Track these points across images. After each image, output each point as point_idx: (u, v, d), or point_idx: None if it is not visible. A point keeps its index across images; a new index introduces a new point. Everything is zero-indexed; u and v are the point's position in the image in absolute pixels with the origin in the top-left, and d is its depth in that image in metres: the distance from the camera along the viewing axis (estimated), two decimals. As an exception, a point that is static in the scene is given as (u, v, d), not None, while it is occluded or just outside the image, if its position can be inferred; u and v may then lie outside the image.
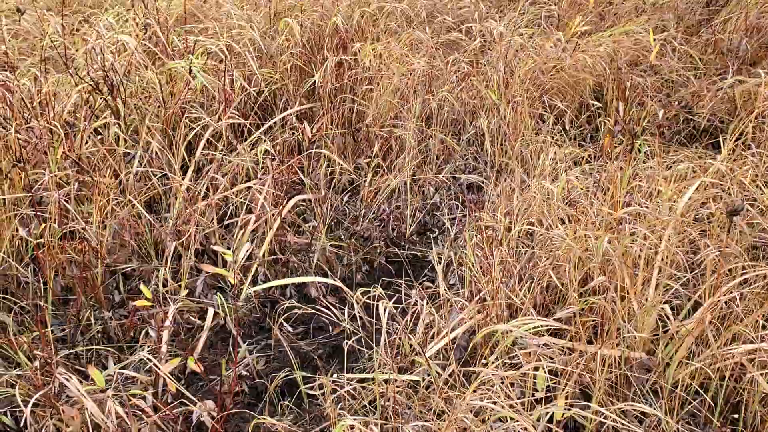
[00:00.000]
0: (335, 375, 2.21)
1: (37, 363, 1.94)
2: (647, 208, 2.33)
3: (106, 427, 1.47)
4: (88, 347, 2.23)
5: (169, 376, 1.59)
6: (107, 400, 1.48)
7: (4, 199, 2.43)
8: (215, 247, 1.65)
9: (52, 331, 2.38)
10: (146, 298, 1.64)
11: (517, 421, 1.53)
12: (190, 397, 1.80)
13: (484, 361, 2.08)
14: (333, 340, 2.54)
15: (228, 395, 1.76)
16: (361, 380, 2.13)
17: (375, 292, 2.56)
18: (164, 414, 1.62)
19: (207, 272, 1.85)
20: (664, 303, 2.03)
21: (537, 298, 2.14)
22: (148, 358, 1.66)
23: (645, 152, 2.98)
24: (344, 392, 1.95)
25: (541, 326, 1.66)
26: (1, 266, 2.39)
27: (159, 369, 1.58)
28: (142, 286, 1.66)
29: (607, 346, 1.87)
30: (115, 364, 2.23)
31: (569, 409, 1.73)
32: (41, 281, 2.43)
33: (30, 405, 1.57)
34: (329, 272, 2.77)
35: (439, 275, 2.56)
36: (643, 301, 1.99)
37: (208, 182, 2.76)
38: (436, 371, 1.95)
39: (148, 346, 2.21)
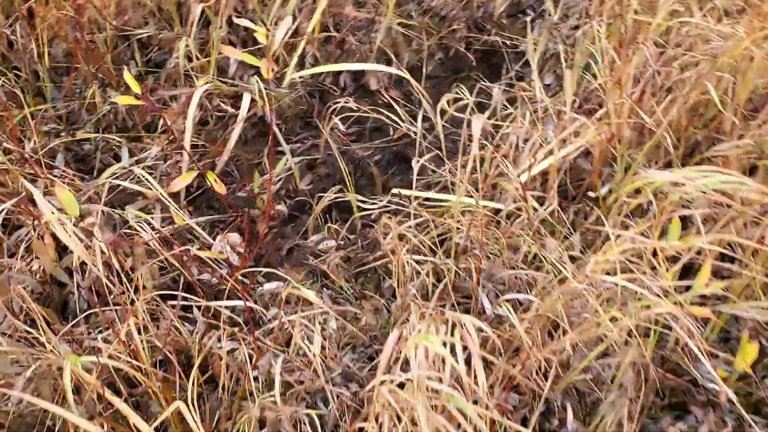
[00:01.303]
0: (395, 191, 1.76)
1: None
2: None
3: (93, 262, 1.07)
4: (94, 134, 1.80)
5: (173, 204, 1.15)
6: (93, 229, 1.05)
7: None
8: (239, 21, 1.12)
9: (54, 107, 1.95)
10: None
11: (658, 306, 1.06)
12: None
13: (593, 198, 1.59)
14: (393, 144, 2.07)
15: (261, 220, 1.34)
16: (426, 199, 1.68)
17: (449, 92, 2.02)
18: (170, 248, 1.21)
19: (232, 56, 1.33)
20: None
21: (675, 121, 1.58)
22: (146, 170, 1.21)
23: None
24: (405, 225, 1.51)
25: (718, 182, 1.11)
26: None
27: (160, 194, 1.14)
28: (126, 75, 1.12)
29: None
30: (129, 156, 1.82)
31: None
32: (39, 44, 1.95)
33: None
34: (394, 58, 2.22)
35: (533, 71, 1.99)
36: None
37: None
38: (533, 206, 1.47)
39: (167, 137, 1.77)
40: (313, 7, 2.09)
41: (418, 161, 1.56)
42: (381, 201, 1.78)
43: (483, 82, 2.26)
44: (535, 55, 2.05)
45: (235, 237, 1.17)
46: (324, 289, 1.57)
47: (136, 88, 1.08)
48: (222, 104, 1.95)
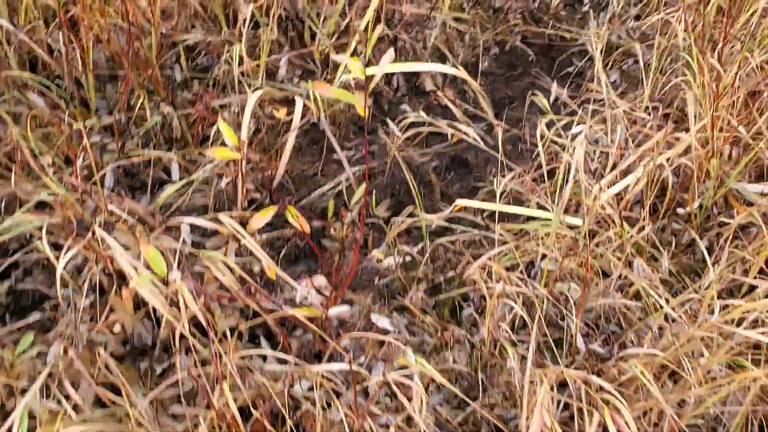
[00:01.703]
0: (459, 202, 1.66)
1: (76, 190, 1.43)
2: None
3: (178, 320, 0.99)
4: (144, 152, 1.71)
5: (264, 255, 1.05)
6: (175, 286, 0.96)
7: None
8: (336, 57, 1.01)
9: (98, 116, 1.85)
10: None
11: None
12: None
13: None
14: (451, 148, 1.96)
15: (337, 250, 1.25)
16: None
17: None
18: (254, 296, 1.12)
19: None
20: None
21: None
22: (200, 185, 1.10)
23: None
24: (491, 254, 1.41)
25: None
26: (24, 26, 1.80)
27: (241, 236, 1.04)
28: (221, 124, 1.01)
29: None
30: (180, 174, 1.73)
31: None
32: (81, 50, 1.85)
33: (65, 258, 1.08)
34: (449, 54, 2.10)
35: (596, 65, 1.86)
36: None
37: None
38: (627, 230, 1.37)
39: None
40: (366, 3, 1.97)
41: (497, 181, 1.46)
42: (443, 211, 1.69)
43: (541, 79, 2.15)
44: (597, 49, 1.92)
45: (321, 279, 1.08)
46: (395, 313, 1.49)
47: (232, 139, 0.98)
48: (274, 111, 1.85)
